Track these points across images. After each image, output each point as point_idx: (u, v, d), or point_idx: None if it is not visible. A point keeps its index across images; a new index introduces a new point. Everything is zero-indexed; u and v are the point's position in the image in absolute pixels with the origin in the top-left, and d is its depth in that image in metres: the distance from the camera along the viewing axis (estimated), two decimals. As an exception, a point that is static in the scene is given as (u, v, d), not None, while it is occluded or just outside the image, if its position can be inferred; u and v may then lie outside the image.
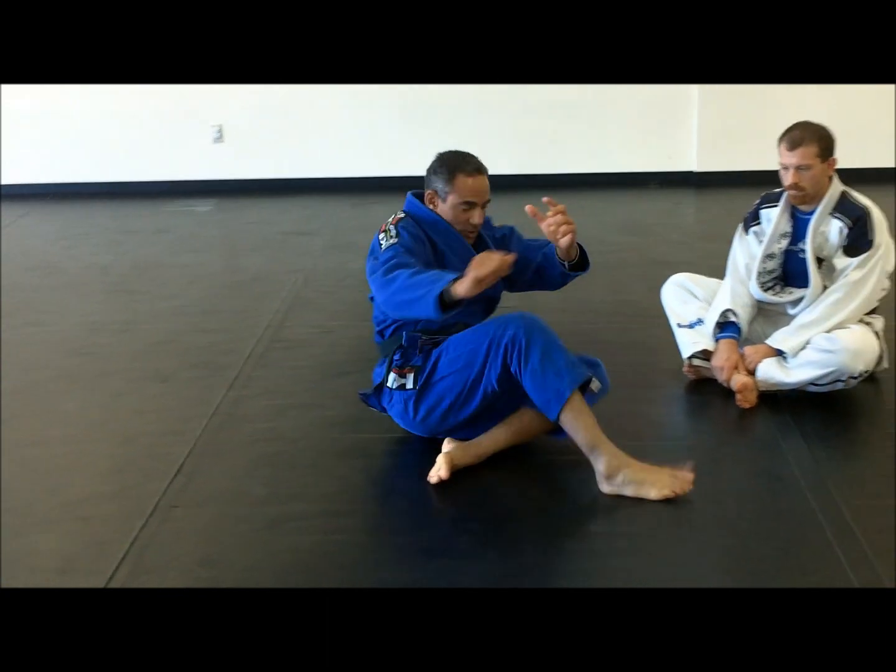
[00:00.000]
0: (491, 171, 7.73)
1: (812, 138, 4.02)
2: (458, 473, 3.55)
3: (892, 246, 4.19)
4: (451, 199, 3.62)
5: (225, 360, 4.71)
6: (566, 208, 3.53)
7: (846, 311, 4.03)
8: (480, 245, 3.75)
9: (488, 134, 8.31)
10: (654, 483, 3.32)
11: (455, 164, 3.62)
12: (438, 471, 3.48)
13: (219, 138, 8.50)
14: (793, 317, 4.17)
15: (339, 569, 3.05)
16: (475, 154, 3.69)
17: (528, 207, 3.50)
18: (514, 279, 3.77)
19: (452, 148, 3.72)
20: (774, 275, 4.24)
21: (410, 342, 3.64)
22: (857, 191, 4.18)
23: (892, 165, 8.13)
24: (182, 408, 4.24)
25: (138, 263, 6.49)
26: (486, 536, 3.22)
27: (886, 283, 4.19)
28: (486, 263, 3.19)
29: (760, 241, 4.26)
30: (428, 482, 3.49)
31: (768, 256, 4.23)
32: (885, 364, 4.20)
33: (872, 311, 4.17)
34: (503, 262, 3.20)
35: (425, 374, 3.59)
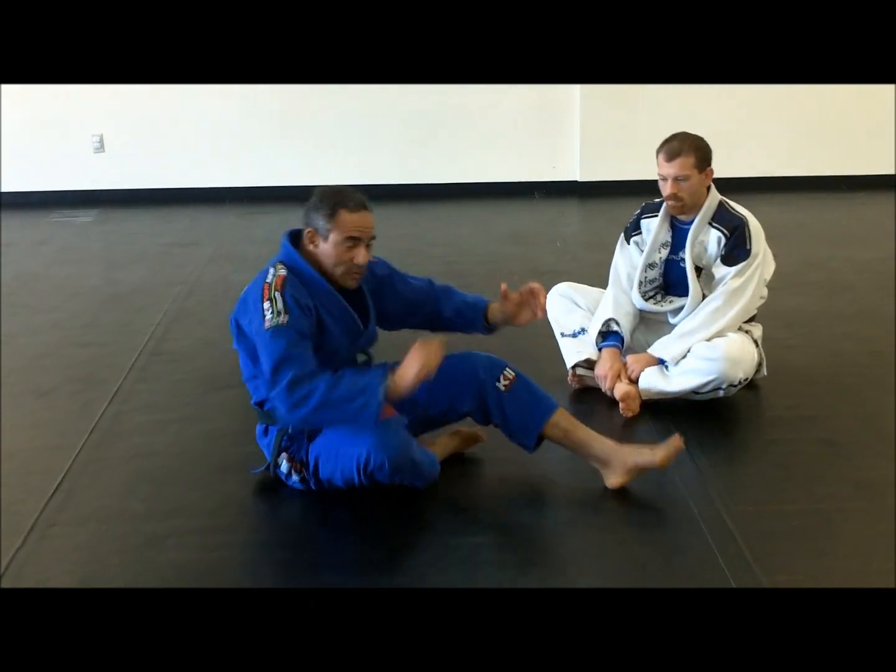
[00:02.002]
0: (376, 181, 7.73)
1: (689, 149, 4.07)
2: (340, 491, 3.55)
3: (770, 254, 4.26)
4: (332, 236, 3.31)
5: (105, 374, 4.63)
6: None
7: (725, 320, 4.08)
8: (358, 299, 3.51)
9: (372, 143, 8.33)
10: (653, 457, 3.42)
11: (336, 200, 3.31)
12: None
13: (99, 148, 8.38)
14: (674, 325, 4.22)
15: (220, 585, 2.99)
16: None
17: (502, 288, 3.54)
18: (396, 323, 3.75)
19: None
20: (655, 284, 4.29)
21: (297, 432, 3.46)
22: (735, 199, 4.25)
23: (775, 174, 8.36)
24: (61, 423, 4.16)
25: (17, 276, 6.35)
26: (371, 550, 3.20)
27: (764, 292, 4.26)
28: (431, 357, 3.17)
29: (641, 251, 4.31)
30: (311, 495, 3.46)
31: (649, 266, 4.27)
32: (764, 371, 4.27)
33: (751, 320, 4.25)
34: (442, 349, 3.21)
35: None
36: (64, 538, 3.28)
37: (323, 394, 3.12)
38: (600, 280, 4.56)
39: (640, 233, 4.35)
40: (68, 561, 3.15)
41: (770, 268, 4.28)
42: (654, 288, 4.30)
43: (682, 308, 4.21)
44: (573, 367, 4.31)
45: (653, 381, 4.10)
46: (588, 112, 8.26)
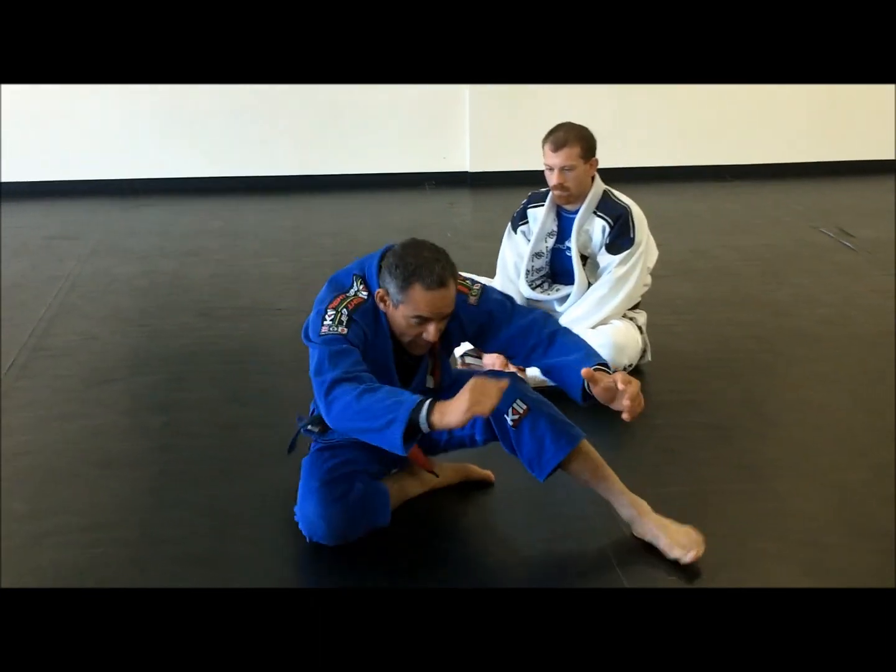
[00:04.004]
0: (266, 172, 7.60)
1: (575, 139, 4.11)
2: (231, 480, 3.52)
3: (653, 242, 4.32)
4: (402, 309, 2.98)
5: (-16, 371, 4.52)
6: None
7: (610, 307, 4.13)
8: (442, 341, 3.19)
9: (262, 135, 8.24)
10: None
11: (413, 271, 2.93)
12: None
13: (-23, 140, 8.15)
14: (560, 314, 4.25)
15: (103, 582, 2.96)
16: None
17: (583, 372, 2.91)
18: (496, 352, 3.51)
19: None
20: (542, 273, 4.32)
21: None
22: (621, 190, 4.30)
23: (661, 164, 8.48)
24: (-62, 422, 4.04)
25: None
26: (261, 543, 3.17)
27: (648, 279, 4.32)
28: (486, 397, 2.73)
29: (528, 240, 4.34)
30: (198, 489, 3.43)
31: (536, 255, 4.30)
32: (649, 357, 4.33)
33: (635, 307, 4.30)
34: (500, 395, 2.78)
35: None
36: (-58, 540, 3.20)
37: (351, 401, 2.83)
38: (489, 269, 4.58)
39: (527, 222, 4.38)
40: (-54, 563, 3.07)
41: (653, 256, 4.34)
42: (541, 276, 4.33)
43: (568, 296, 4.25)
44: (462, 356, 4.32)
45: (540, 368, 4.13)
46: (477, 103, 8.26)
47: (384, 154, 8.49)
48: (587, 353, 3.09)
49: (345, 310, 3.03)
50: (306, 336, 3.07)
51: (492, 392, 2.74)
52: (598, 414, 3.88)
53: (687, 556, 3.02)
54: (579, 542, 3.20)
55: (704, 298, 5.46)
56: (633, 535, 3.17)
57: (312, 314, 3.09)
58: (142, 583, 2.97)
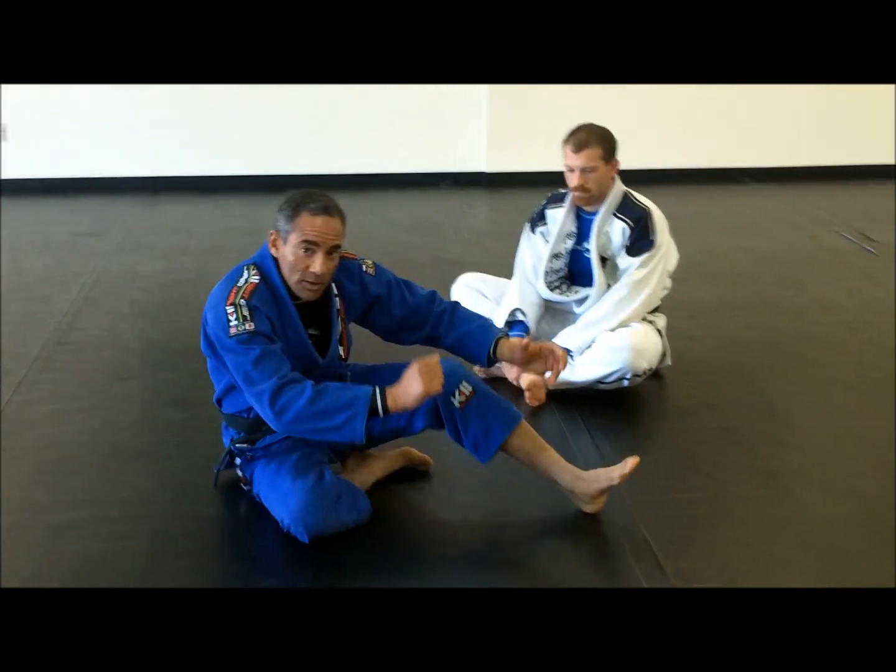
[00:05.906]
0: (280, 171, 7.61)
1: (596, 140, 4.11)
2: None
3: (673, 245, 4.32)
4: (291, 238, 3.08)
5: (9, 364, 4.55)
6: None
7: (629, 310, 4.13)
8: (322, 322, 3.30)
9: (275, 133, 8.28)
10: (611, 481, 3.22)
11: (300, 202, 3.10)
12: None
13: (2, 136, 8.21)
14: (579, 316, 4.26)
15: (125, 575, 2.98)
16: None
17: (525, 341, 3.29)
18: (387, 338, 3.53)
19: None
20: (561, 274, 4.33)
21: (239, 451, 3.34)
22: (638, 191, 4.30)
23: (679, 166, 8.47)
24: (-36, 414, 4.08)
25: (-83, 265, 6.21)
26: (283, 538, 3.18)
27: (668, 282, 4.32)
28: (436, 376, 2.95)
29: (547, 241, 4.34)
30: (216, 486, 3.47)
31: (555, 256, 4.31)
32: (668, 361, 4.34)
33: (655, 310, 4.30)
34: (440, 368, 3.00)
35: None
36: (-33, 529, 3.23)
37: (304, 405, 2.94)
38: (507, 270, 4.59)
39: (546, 223, 4.38)
40: (-30, 552, 3.11)
41: (673, 259, 4.34)
42: (560, 278, 4.33)
43: (586, 298, 4.25)
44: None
45: (558, 370, 4.14)
46: (495, 102, 8.28)
47: (398, 153, 8.51)
48: (488, 323, 3.41)
49: (242, 301, 3.08)
50: (217, 341, 3.12)
51: (438, 370, 2.97)
52: (613, 420, 3.92)
53: (626, 467, 3.16)
54: (526, 531, 3.26)
55: (722, 302, 5.47)
56: (580, 511, 3.25)
57: (211, 316, 3.13)
58: (159, 576, 2.99)
